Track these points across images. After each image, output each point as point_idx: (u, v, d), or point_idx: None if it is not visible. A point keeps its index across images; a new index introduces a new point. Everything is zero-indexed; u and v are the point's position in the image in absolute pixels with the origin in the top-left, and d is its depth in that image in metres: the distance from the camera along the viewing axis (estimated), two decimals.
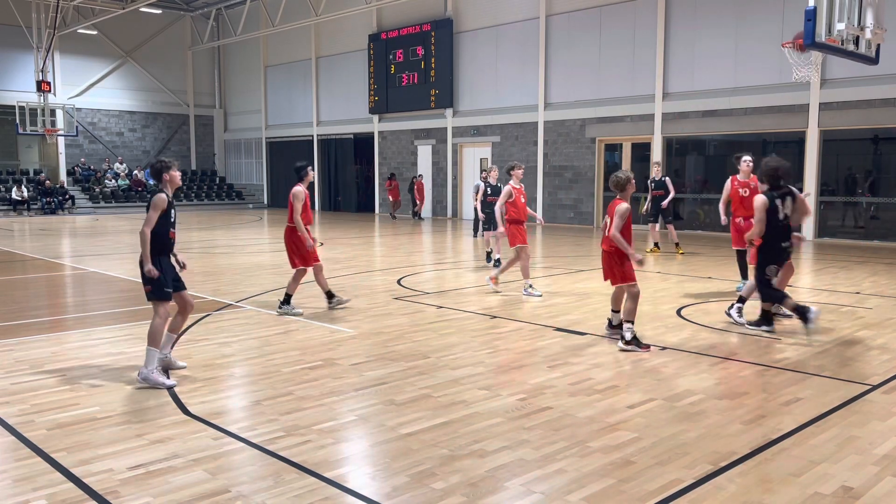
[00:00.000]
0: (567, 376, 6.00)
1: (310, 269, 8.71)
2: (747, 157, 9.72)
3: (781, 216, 7.29)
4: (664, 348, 6.96)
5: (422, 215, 26.75)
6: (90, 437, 4.61)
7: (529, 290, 9.92)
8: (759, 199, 7.31)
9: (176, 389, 5.60)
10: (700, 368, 6.26)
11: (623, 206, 6.89)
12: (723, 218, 9.82)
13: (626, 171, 7.08)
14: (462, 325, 8.13)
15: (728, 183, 9.82)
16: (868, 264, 13.20)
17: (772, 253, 7.38)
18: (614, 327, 7.39)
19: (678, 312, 8.76)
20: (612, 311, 7.45)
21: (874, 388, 5.70)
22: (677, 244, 14.97)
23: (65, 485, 3.92)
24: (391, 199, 27.30)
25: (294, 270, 8.69)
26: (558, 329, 7.80)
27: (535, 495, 3.81)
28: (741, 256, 9.74)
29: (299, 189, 8.63)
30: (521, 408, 5.20)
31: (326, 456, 4.35)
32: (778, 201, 7.26)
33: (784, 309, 8.54)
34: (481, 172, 16.90)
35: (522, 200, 10.14)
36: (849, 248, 15.30)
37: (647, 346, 6.88)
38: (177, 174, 6.03)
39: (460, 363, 6.42)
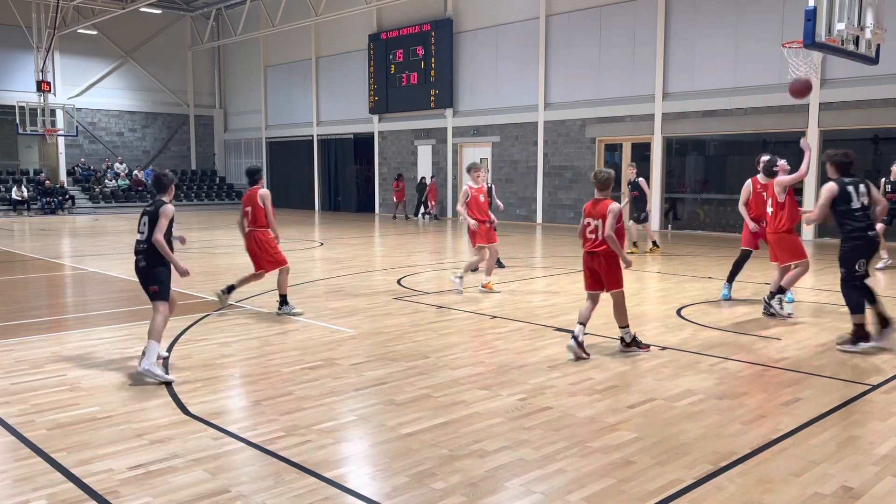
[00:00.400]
0: (567, 376, 6.01)
1: (257, 269, 8.70)
2: (766, 157, 9.22)
3: (857, 204, 6.67)
4: (664, 348, 6.96)
5: (433, 215, 26.57)
6: (90, 437, 4.61)
7: (458, 280, 10.07)
8: (826, 186, 6.81)
9: (176, 389, 5.61)
10: (700, 368, 6.26)
11: (616, 205, 6.58)
12: (750, 224, 9.18)
13: (609, 169, 6.86)
14: (462, 325, 8.13)
15: (749, 184, 9.29)
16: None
17: (857, 244, 6.70)
18: (581, 344, 6.59)
19: (678, 312, 8.76)
20: (580, 324, 6.64)
21: (874, 388, 5.70)
22: (635, 243, 14.99)
23: (65, 485, 3.92)
24: (396, 200, 27.12)
25: (270, 272, 8.73)
26: (558, 329, 7.80)
27: (535, 495, 3.81)
28: (744, 258, 9.49)
29: (266, 191, 8.56)
30: (521, 408, 5.20)
31: (326, 456, 4.35)
32: (850, 188, 6.70)
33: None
34: None
35: (482, 199, 10.17)
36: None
37: (647, 346, 6.87)
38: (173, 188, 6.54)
39: (460, 363, 6.42)
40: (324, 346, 7.05)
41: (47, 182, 30.42)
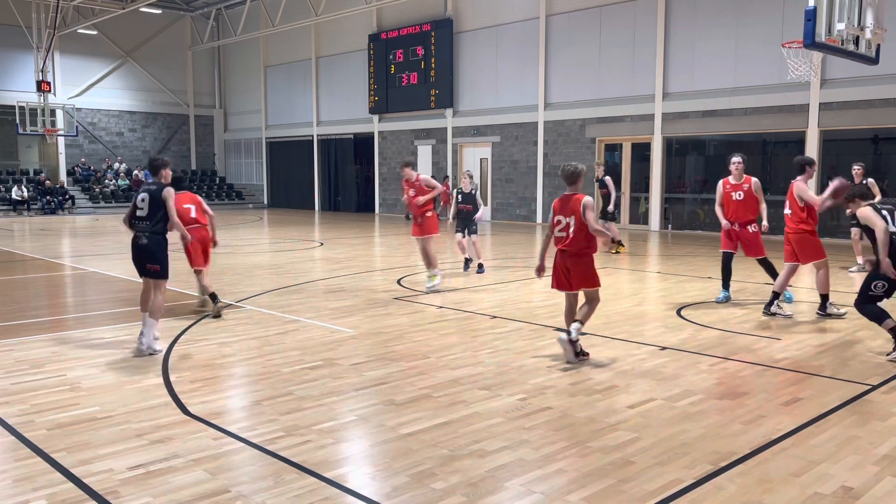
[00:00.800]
0: (567, 376, 6.01)
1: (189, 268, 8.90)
2: (736, 158, 9.20)
3: (893, 228, 6.53)
4: (664, 348, 6.97)
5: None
6: (90, 437, 4.61)
7: (433, 281, 10.42)
8: (866, 210, 6.65)
9: (176, 389, 5.61)
10: (700, 368, 6.26)
11: (590, 198, 6.37)
12: (724, 222, 9.18)
13: (578, 163, 6.65)
14: (462, 325, 8.13)
15: (720, 186, 9.32)
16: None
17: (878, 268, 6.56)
18: (579, 354, 6.47)
19: (678, 312, 8.76)
20: (574, 322, 6.52)
21: (874, 388, 5.70)
22: (621, 242, 14.89)
23: (65, 485, 3.92)
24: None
25: (196, 269, 8.75)
26: (558, 329, 7.79)
27: (535, 495, 3.81)
28: (726, 260, 9.36)
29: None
30: (521, 408, 5.20)
31: (326, 456, 4.35)
32: (885, 212, 6.62)
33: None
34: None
35: (412, 193, 10.43)
36: (848, 247, 15.28)
37: (587, 355, 6.51)
38: (169, 172, 7.10)
39: (460, 363, 6.42)
40: (324, 346, 7.05)
41: (47, 182, 30.42)
